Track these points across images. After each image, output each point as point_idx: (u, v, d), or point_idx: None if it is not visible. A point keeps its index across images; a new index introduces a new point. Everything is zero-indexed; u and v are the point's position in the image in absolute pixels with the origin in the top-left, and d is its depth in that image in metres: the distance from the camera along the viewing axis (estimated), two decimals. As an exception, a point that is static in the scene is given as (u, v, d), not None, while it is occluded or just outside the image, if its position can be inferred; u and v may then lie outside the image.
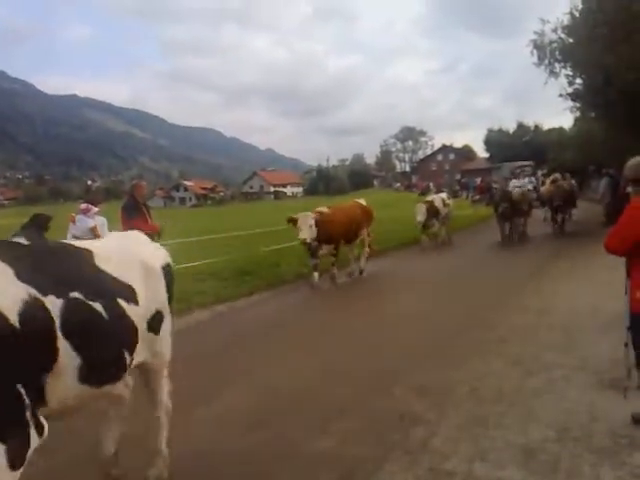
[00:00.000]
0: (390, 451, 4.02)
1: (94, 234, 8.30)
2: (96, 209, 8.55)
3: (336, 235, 11.27)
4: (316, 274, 10.94)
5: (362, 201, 12.93)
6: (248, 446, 4.24)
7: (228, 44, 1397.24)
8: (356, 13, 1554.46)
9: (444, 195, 18.58)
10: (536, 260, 13.02)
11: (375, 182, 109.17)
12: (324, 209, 11.42)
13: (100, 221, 8.55)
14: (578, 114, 29.60)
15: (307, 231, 10.52)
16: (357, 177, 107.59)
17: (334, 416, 4.68)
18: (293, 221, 10.91)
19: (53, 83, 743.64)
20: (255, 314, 8.90)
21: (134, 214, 9.04)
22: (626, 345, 4.26)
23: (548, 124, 70.10)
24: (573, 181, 21.90)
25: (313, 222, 10.62)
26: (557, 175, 22.27)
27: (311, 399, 5.14)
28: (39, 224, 7.71)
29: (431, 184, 52.63)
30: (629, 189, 4.52)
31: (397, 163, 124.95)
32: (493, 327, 7.20)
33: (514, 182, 18.30)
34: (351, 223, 11.72)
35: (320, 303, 9.90)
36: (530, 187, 18.11)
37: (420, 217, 15.47)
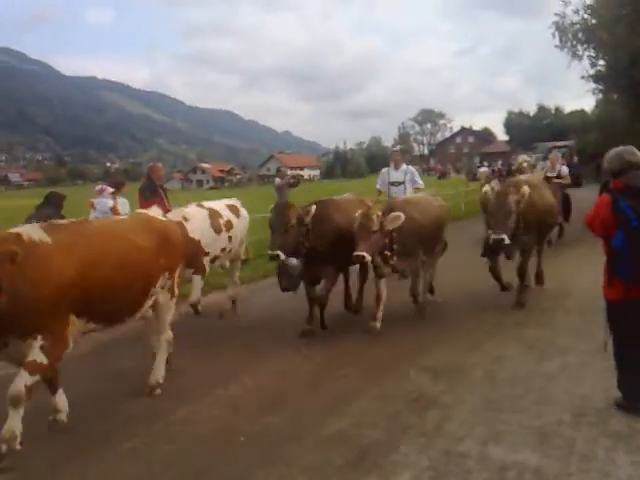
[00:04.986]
0: (405, 433, 4.05)
1: (114, 213, 8.38)
2: (111, 189, 8.61)
3: None
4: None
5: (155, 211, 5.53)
6: (264, 427, 4.30)
7: (248, 26, 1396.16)
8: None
9: (226, 204, 7.85)
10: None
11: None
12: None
13: (121, 202, 8.65)
14: (600, 96, 29.07)
15: None
16: (374, 160, 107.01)
17: (348, 398, 4.72)
18: None
19: (72, 65, 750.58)
20: (270, 298, 8.90)
21: (151, 196, 9.09)
22: None
23: (569, 107, 69.01)
24: (565, 167, 12.17)
25: None
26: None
27: (326, 382, 5.18)
28: (54, 203, 7.81)
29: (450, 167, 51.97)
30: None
31: (415, 146, 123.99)
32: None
33: (392, 172, 9.60)
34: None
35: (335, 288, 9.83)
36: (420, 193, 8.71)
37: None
